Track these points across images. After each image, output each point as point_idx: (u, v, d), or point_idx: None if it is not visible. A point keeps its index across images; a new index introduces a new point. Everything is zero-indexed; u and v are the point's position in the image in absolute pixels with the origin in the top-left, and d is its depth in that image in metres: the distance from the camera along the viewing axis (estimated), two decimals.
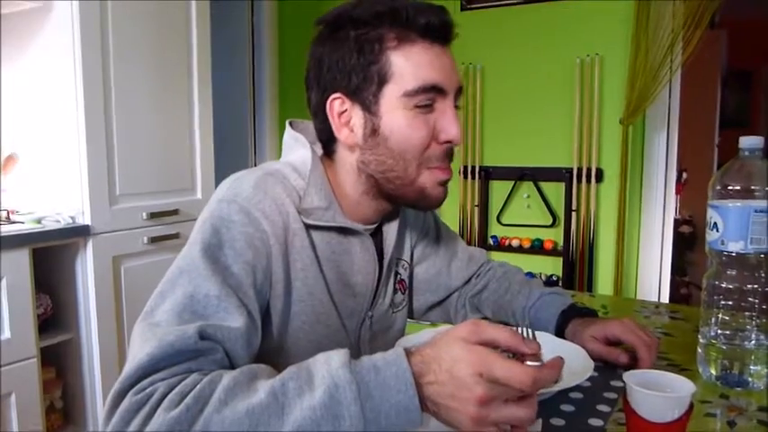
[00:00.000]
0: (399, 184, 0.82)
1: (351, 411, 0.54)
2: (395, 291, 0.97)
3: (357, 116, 0.81)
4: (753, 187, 0.81)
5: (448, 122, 0.80)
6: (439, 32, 0.80)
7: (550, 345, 0.88)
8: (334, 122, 0.82)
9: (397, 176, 0.82)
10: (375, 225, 0.90)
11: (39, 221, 1.80)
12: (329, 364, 0.57)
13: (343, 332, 0.87)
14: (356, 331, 0.90)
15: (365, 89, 0.79)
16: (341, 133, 0.82)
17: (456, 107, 0.82)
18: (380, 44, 0.78)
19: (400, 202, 0.87)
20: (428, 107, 0.79)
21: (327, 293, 0.84)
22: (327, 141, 0.86)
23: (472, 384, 0.54)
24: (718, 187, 0.84)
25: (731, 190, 0.83)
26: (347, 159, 0.85)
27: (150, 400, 0.57)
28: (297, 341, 0.82)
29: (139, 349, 0.62)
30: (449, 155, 0.83)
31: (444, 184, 0.84)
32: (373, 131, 0.80)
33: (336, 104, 0.81)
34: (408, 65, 0.78)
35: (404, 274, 1.00)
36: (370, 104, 0.80)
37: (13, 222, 1.79)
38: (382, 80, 0.78)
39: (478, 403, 0.54)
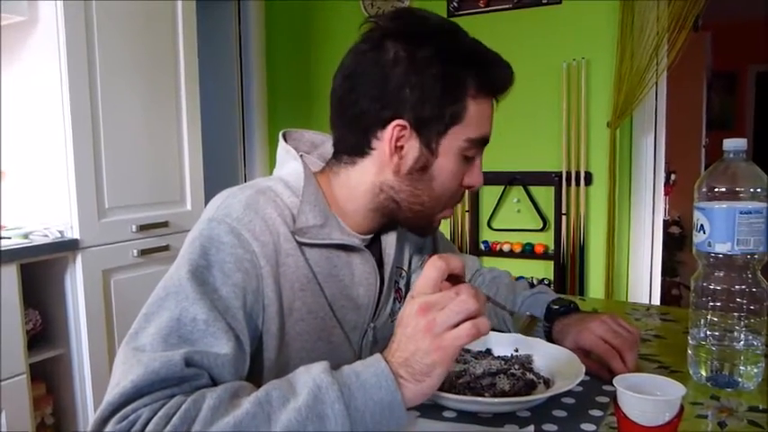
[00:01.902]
0: (418, 216, 0.84)
1: (335, 410, 0.56)
2: (393, 299, 0.97)
3: (413, 148, 0.79)
4: (738, 189, 0.82)
5: (476, 172, 0.84)
6: (504, 92, 0.83)
7: (544, 351, 0.89)
8: (389, 146, 0.79)
9: (422, 210, 0.83)
10: (372, 235, 0.89)
11: (26, 236, 1.78)
12: (310, 372, 0.60)
13: (347, 346, 0.86)
14: (359, 342, 0.88)
15: (432, 126, 0.78)
16: (392, 158, 0.79)
17: None
18: (463, 89, 0.78)
19: (401, 225, 0.89)
20: (473, 159, 0.83)
21: (330, 310, 0.82)
22: (347, 152, 0.83)
23: (412, 310, 0.61)
24: (704, 189, 0.85)
25: (717, 192, 0.83)
26: (367, 177, 0.82)
27: (134, 428, 0.57)
28: (299, 361, 0.79)
29: (123, 375, 0.61)
30: (462, 196, 0.89)
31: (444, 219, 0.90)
32: (423, 168, 0.80)
33: (397, 130, 0.78)
34: (477, 115, 0.79)
35: (401, 283, 0.99)
36: (430, 141, 0.79)
37: (1, 237, 1.77)
38: (452, 122, 0.78)
39: (421, 314, 0.60)
